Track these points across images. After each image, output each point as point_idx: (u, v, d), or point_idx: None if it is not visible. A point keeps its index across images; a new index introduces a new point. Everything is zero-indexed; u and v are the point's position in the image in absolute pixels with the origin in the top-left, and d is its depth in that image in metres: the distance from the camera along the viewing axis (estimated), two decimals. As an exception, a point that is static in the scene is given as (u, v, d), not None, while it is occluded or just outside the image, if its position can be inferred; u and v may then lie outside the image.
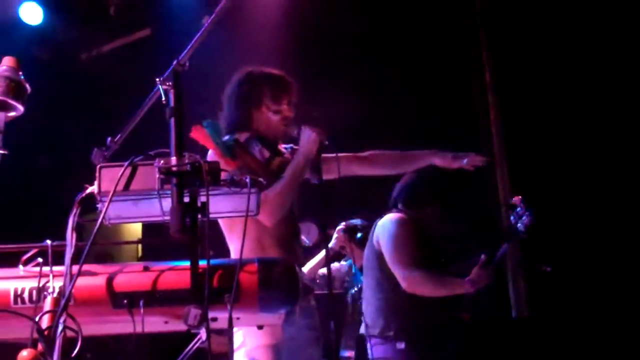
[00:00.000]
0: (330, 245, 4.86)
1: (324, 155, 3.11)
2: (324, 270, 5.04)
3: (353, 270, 5.07)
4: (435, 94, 6.38)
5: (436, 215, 3.95)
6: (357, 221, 4.90)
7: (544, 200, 6.05)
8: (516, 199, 3.68)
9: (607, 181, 5.88)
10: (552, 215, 5.99)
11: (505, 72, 6.43)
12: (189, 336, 2.02)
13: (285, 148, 3.28)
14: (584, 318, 5.71)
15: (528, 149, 6.28)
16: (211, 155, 2.95)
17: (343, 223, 4.91)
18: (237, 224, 2.98)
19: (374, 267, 3.85)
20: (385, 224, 3.85)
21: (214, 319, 1.95)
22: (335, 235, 4.90)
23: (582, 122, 6.06)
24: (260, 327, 2.35)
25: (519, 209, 3.63)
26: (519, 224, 3.61)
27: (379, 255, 3.83)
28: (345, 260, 5.23)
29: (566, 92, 6.15)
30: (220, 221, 3.04)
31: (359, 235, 4.85)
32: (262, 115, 3.17)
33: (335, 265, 5.21)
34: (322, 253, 4.75)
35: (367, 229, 4.26)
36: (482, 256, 3.65)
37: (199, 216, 1.96)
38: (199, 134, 2.93)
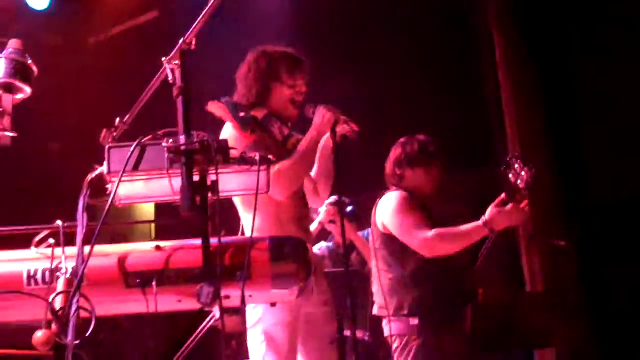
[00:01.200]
0: (319, 219, 4.84)
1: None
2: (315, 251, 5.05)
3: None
4: (445, 74, 6.36)
5: (422, 178, 3.91)
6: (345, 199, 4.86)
7: (560, 176, 6.05)
8: (511, 157, 3.63)
9: (626, 153, 5.84)
10: (567, 190, 5.97)
11: (516, 50, 6.38)
12: (202, 315, 2.03)
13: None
14: (600, 292, 5.70)
15: (540, 125, 6.25)
16: (227, 129, 2.98)
17: (333, 197, 4.86)
18: (252, 202, 2.99)
19: (380, 249, 3.83)
20: (386, 202, 3.84)
21: (227, 297, 1.95)
22: (324, 209, 4.84)
23: (597, 95, 6.02)
24: (273, 305, 2.36)
25: (516, 166, 3.58)
26: (518, 181, 3.56)
27: (383, 236, 3.81)
28: (329, 241, 5.22)
29: (578, 68, 6.11)
30: (235, 200, 3.05)
31: (349, 208, 4.82)
32: (278, 89, 3.20)
33: (322, 245, 5.20)
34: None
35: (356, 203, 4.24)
36: (503, 195, 3.58)
37: (210, 194, 1.96)
38: (216, 108, 2.95)
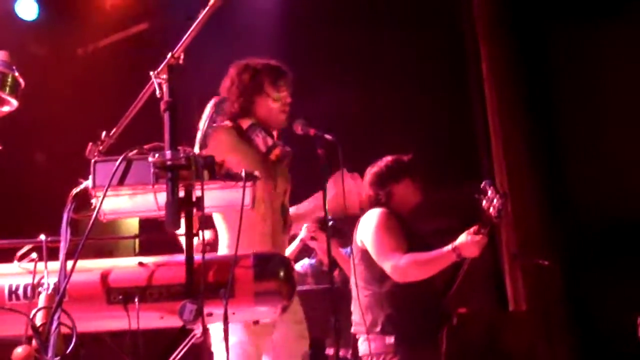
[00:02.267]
0: (300, 236, 4.85)
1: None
2: (297, 268, 5.06)
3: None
4: (431, 89, 6.38)
5: (410, 189, 3.94)
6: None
7: (544, 195, 6.07)
8: (485, 184, 3.66)
9: (609, 172, 5.88)
10: (551, 209, 6.00)
11: (502, 65, 6.42)
12: (184, 332, 2.01)
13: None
14: (583, 311, 5.72)
15: (526, 142, 6.28)
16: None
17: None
18: (228, 217, 3.01)
19: (359, 265, 3.85)
20: (367, 220, 3.87)
21: (210, 314, 1.94)
22: (305, 225, 4.85)
23: (580, 113, 6.06)
24: (256, 322, 2.35)
25: (489, 193, 3.61)
26: (491, 209, 3.60)
27: (363, 253, 3.84)
28: (311, 259, 5.22)
29: (561, 82, 6.16)
30: (214, 215, 3.05)
31: (329, 223, 4.83)
32: (263, 102, 3.20)
33: (305, 262, 5.20)
34: (292, 246, 4.76)
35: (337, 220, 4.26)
36: (476, 226, 3.62)
37: (194, 210, 1.96)
38: None
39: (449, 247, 3.60)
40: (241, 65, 3.26)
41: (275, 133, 3.26)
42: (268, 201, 3.09)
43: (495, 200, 3.57)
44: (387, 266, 3.70)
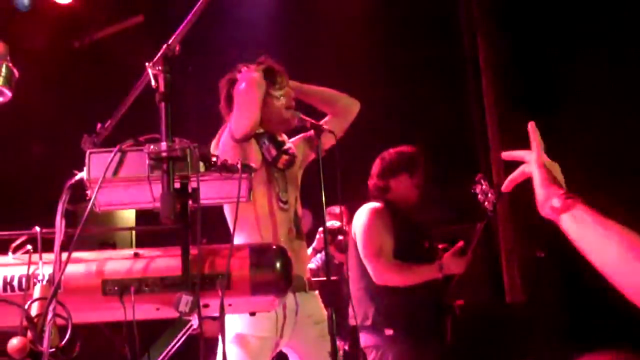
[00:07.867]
0: (313, 246, 4.99)
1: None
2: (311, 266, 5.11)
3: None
4: (429, 87, 6.38)
5: (407, 185, 3.93)
6: (338, 223, 4.96)
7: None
8: (479, 177, 3.67)
9: (603, 164, 5.88)
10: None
11: (500, 56, 6.42)
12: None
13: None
14: (579, 302, 5.73)
15: (523, 139, 6.27)
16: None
17: (330, 222, 4.95)
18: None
19: (353, 257, 3.86)
20: (360, 215, 3.88)
21: (206, 306, 1.93)
22: (317, 237, 5.01)
23: (577, 108, 6.06)
24: (252, 314, 2.35)
25: (483, 186, 3.62)
26: (486, 203, 3.60)
27: (356, 246, 3.84)
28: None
29: (559, 74, 6.15)
30: (225, 208, 3.07)
31: (340, 237, 4.95)
32: (269, 104, 3.18)
33: (317, 257, 5.28)
34: None
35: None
36: (460, 243, 3.66)
37: (190, 202, 1.95)
38: None
39: (435, 264, 3.63)
40: (233, 76, 3.23)
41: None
42: (279, 210, 3.11)
43: (489, 194, 3.58)
44: (370, 266, 3.72)
